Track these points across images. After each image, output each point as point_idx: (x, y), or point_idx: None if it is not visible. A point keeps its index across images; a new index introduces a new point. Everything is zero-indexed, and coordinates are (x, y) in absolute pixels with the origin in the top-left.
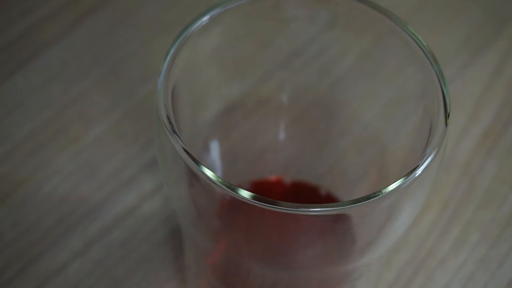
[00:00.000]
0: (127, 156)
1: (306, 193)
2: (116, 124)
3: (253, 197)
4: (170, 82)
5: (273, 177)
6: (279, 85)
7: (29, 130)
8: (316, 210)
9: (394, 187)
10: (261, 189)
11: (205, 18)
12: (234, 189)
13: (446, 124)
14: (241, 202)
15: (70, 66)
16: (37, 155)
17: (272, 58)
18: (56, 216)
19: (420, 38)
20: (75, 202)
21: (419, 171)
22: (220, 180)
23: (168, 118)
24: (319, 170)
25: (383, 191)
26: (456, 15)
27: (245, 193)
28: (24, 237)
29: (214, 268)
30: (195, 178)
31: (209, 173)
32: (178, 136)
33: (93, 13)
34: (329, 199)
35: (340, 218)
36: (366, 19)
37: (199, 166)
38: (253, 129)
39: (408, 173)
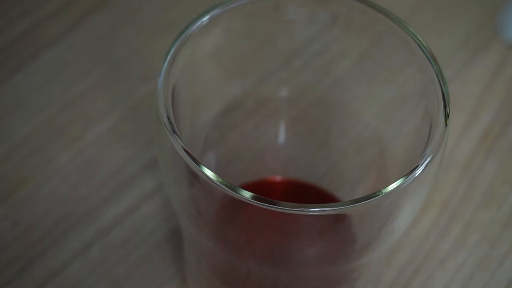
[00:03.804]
0: (127, 156)
1: (306, 193)
2: (116, 124)
3: (253, 197)
4: (170, 82)
5: (273, 177)
6: (279, 85)
7: (29, 130)
8: (316, 210)
9: (394, 187)
10: (261, 189)
11: (205, 18)
12: (234, 189)
13: (446, 124)
14: (241, 202)
15: (70, 66)
16: (37, 155)
17: (272, 58)
18: (56, 216)
19: (420, 38)
20: (75, 202)
21: (419, 171)
22: (220, 180)
23: (168, 118)
24: (319, 170)
25: (383, 191)
26: (456, 15)
27: (245, 193)
28: (24, 237)
29: (214, 268)
30: (195, 178)
31: (209, 173)
32: (178, 136)
33: (93, 13)
34: (329, 199)
35: (340, 218)
36: (366, 19)
37: (199, 166)
38: (253, 129)
39: (408, 173)
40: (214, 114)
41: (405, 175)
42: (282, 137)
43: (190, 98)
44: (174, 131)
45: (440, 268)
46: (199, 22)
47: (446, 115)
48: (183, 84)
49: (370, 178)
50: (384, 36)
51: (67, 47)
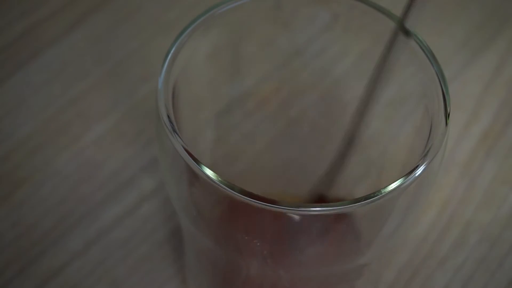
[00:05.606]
0: (127, 156)
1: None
2: (116, 124)
3: (253, 197)
4: (170, 82)
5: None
6: (279, 85)
7: (29, 130)
8: (316, 210)
9: (394, 187)
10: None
11: (205, 18)
12: (234, 188)
13: (446, 124)
14: (241, 201)
15: (70, 66)
16: (37, 155)
17: (272, 58)
18: (56, 216)
19: (420, 38)
20: (75, 202)
21: (419, 171)
22: (220, 179)
23: (168, 117)
24: (319, 170)
25: (383, 191)
26: (456, 15)
27: (245, 193)
28: (24, 237)
29: (214, 268)
30: (196, 178)
31: (209, 172)
32: (178, 135)
33: (93, 13)
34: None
35: (340, 218)
36: (366, 19)
37: (199, 165)
38: (253, 129)
39: (408, 173)
40: (214, 114)
41: (405, 175)
42: (282, 137)
43: (190, 98)
44: (174, 131)
45: (440, 268)
46: (199, 22)
47: (446, 115)
48: (183, 83)
49: (370, 178)
50: (384, 36)
51: (67, 47)
